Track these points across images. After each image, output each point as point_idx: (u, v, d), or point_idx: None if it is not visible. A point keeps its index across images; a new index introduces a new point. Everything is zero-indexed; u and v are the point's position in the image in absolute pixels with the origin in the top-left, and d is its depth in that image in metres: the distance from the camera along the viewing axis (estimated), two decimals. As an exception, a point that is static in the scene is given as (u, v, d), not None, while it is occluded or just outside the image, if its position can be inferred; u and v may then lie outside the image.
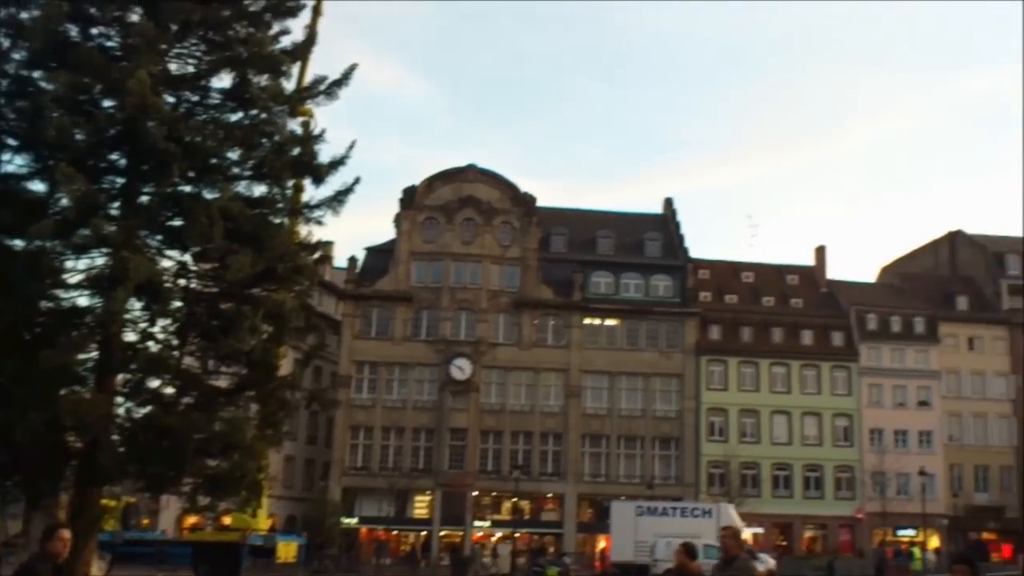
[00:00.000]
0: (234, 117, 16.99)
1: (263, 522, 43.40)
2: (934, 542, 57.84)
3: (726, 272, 66.37)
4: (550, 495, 58.06)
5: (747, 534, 47.40)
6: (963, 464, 62.15)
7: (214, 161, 16.48)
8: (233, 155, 16.89)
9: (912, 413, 62.14)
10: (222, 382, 17.15)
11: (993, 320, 65.46)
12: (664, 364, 60.30)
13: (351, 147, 17.22)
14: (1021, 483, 62.16)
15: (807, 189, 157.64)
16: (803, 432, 60.89)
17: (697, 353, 60.67)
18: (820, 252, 68.47)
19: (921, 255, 74.97)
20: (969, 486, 61.85)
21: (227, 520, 37.85)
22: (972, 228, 73.07)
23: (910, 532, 58.21)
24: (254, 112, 16.98)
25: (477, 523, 56.80)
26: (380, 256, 60.81)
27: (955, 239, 72.89)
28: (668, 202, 68.27)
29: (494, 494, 57.83)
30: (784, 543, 58.65)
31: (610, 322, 60.78)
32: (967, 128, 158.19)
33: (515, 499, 56.45)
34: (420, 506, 57.31)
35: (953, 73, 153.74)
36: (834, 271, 68.49)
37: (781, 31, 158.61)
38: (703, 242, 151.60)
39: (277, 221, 17.10)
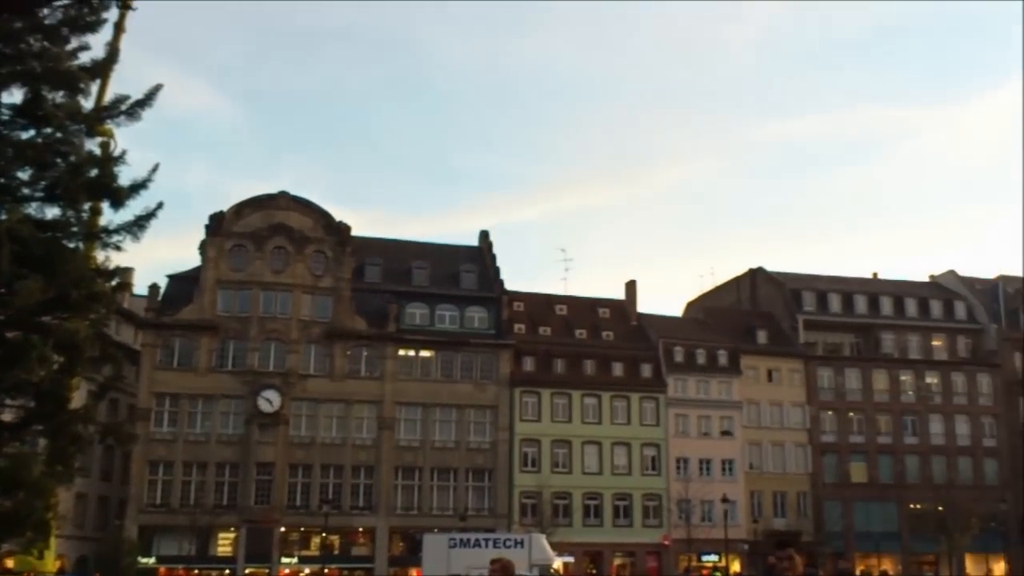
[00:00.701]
0: (26, 135, 16.28)
1: (50, 564, 40.73)
2: (736, 566, 60.76)
3: (540, 305, 67.98)
4: (361, 529, 57.55)
5: (558, 563, 48.53)
6: (763, 491, 65.66)
7: (2, 181, 15.76)
8: (24, 175, 16.17)
9: (716, 442, 65.24)
10: (7, 415, 16.32)
11: (790, 353, 69.66)
12: (478, 396, 61.04)
13: (154, 170, 16.79)
14: (815, 508, 66.27)
15: (619, 225, 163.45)
16: (613, 462, 62.87)
17: (511, 384, 61.75)
18: (631, 286, 71.13)
19: (724, 291, 79.10)
20: (768, 511, 65.40)
21: (10, 563, 35.53)
22: (771, 265, 77.80)
23: (713, 557, 60.98)
24: (48, 130, 16.30)
25: (284, 560, 55.61)
26: (184, 284, 58.99)
27: (756, 276, 77.23)
28: (484, 234, 69.42)
29: (302, 529, 56.81)
30: (594, 571, 60.28)
31: (425, 353, 61.08)
32: (769, 170, 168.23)
33: (324, 534, 55.61)
34: (224, 544, 55.59)
35: (756, 119, 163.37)
36: (644, 305, 71.33)
37: (596, 70, 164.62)
38: (518, 275, 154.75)
39: (71, 245, 16.44)
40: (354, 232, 62.37)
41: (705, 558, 61.46)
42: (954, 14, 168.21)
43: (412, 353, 60.84)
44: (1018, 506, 69.04)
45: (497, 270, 65.68)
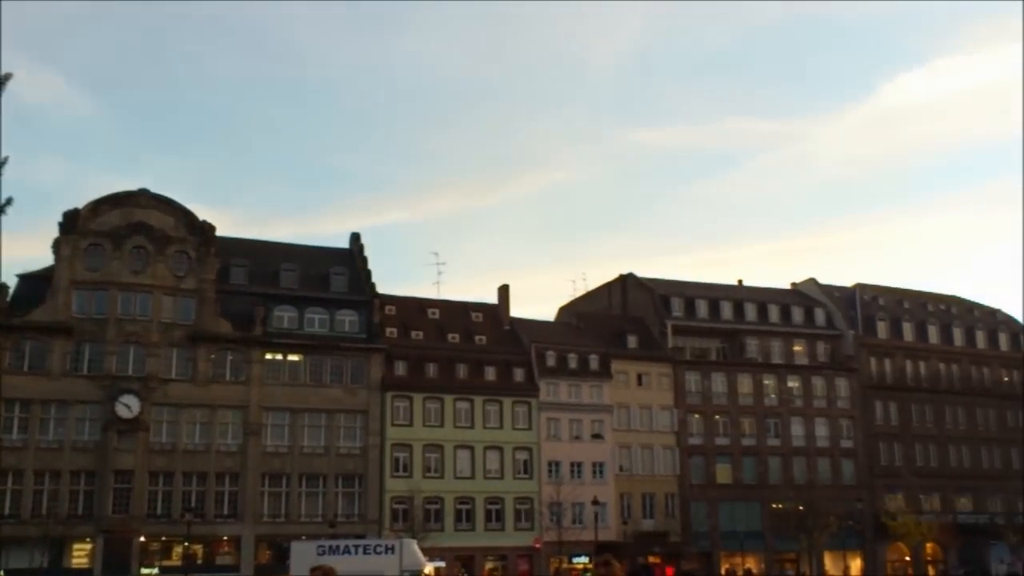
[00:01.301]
0: None
1: None
2: (606, 568, 61.45)
3: (412, 308, 67.79)
4: (226, 538, 56.09)
5: (429, 568, 48.40)
6: (632, 493, 66.89)
7: None
8: None
9: (587, 445, 66.14)
10: None
11: (659, 358, 71.23)
12: (349, 400, 60.39)
13: (2, 164, 16.06)
14: (682, 509, 67.87)
15: (493, 229, 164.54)
16: (485, 466, 63.07)
17: (383, 389, 61.31)
18: (503, 291, 71.62)
19: (596, 296, 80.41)
20: (637, 513, 66.64)
21: None
22: (642, 272, 79.49)
23: (584, 559, 61.71)
24: None
25: (144, 571, 53.72)
26: (35, 284, 56.58)
27: (626, 282, 78.80)
28: (355, 237, 68.83)
29: (164, 539, 55.01)
30: (466, 575, 60.28)
31: (293, 357, 60.11)
32: (640, 177, 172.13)
33: (187, 544, 53.96)
34: (79, 555, 53.36)
35: (628, 126, 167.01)
36: (517, 310, 71.98)
37: (470, 72, 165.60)
38: (390, 278, 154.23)
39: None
40: (219, 232, 61.01)
41: (576, 560, 62.15)
42: (817, 30, 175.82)
43: (280, 357, 59.76)
44: (873, 504, 72.26)
45: (368, 273, 65.18)
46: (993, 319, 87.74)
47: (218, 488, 56.57)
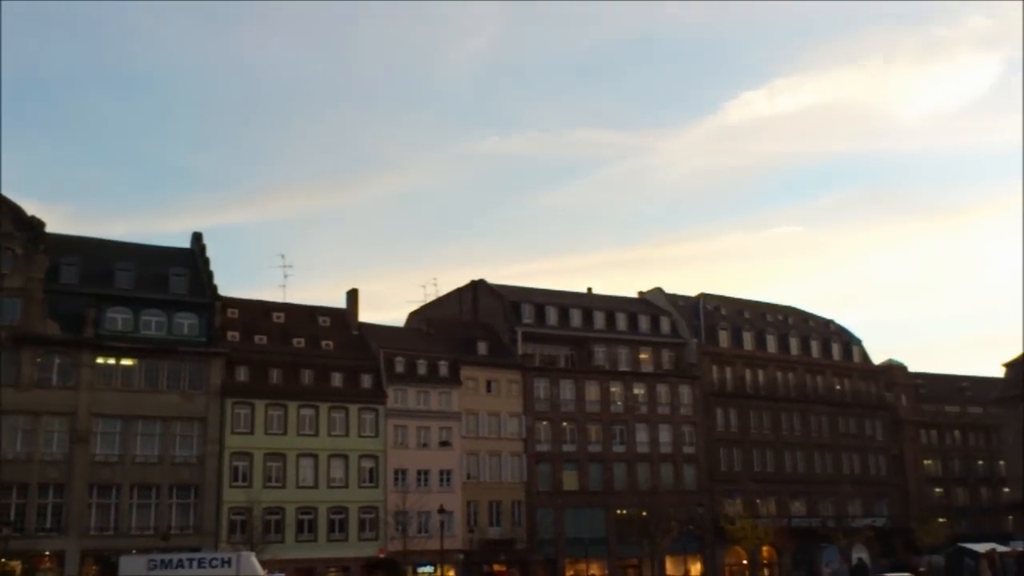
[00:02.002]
0: None
1: None
2: (451, 577, 61.17)
3: (256, 312, 65.78)
4: (48, 553, 52.78)
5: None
6: (479, 500, 66.64)
7: None
8: None
9: (434, 453, 65.52)
10: None
11: (509, 364, 71.28)
12: (186, 407, 57.98)
13: None
14: (529, 516, 68.04)
15: (342, 232, 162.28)
16: (330, 475, 61.64)
17: (223, 395, 59.13)
18: (352, 295, 70.32)
19: (447, 302, 79.96)
20: (484, 521, 66.41)
21: None
22: (492, 278, 79.63)
23: (429, 568, 61.07)
24: None
25: (-46, 591, 50.10)
26: None
27: (477, 288, 78.64)
28: (197, 236, 66.25)
29: (-22, 556, 51.41)
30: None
31: (127, 362, 57.25)
32: (492, 184, 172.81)
33: (4, 559, 50.55)
34: None
35: (480, 132, 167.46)
36: (366, 314, 70.83)
37: (319, 73, 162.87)
38: (234, 281, 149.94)
39: None
40: (49, 228, 57.80)
41: (421, 569, 61.43)
42: (665, 46, 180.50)
43: (112, 361, 56.84)
44: (713, 509, 74.19)
45: (210, 274, 62.81)
46: (827, 329, 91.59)
47: (40, 500, 53.24)
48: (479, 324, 75.19)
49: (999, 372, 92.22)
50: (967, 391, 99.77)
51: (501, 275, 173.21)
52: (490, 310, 76.35)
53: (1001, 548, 61.89)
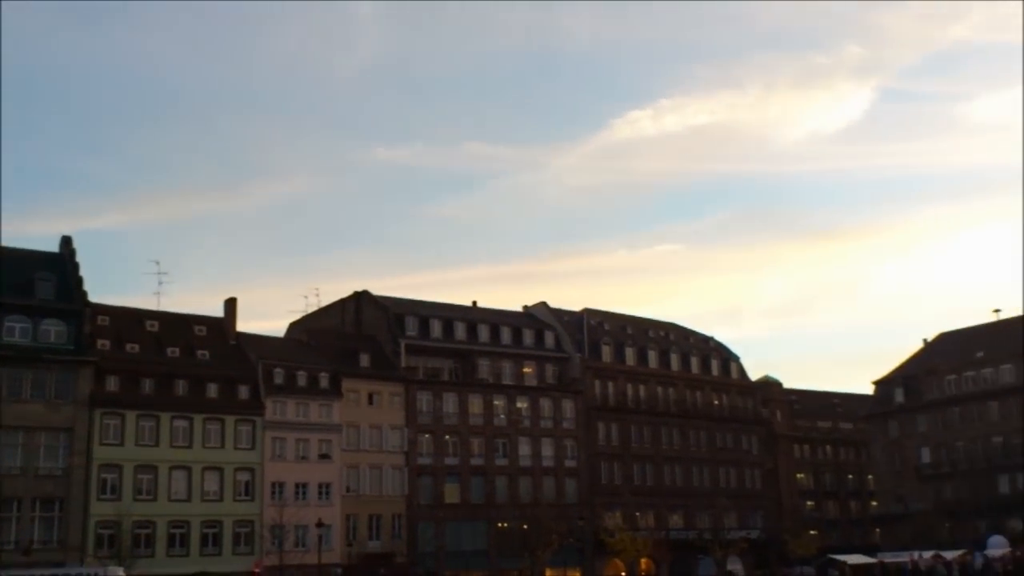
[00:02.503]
0: None
1: None
2: (327, 591, 60.19)
3: (129, 319, 63.96)
4: None
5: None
6: (359, 514, 65.91)
7: None
8: None
9: (313, 466, 64.58)
10: None
11: (391, 377, 70.84)
12: (52, 417, 55.80)
13: None
14: (409, 530, 67.63)
15: (220, 239, 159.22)
16: (203, 488, 60.11)
17: (91, 405, 57.14)
18: (230, 304, 68.95)
19: (329, 312, 79.01)
20: (363, 534, 65.73)
21: None
22: (376, 289, 79.09)
23: (305, 583, 60.00)
24: None
25: None
26: None
27: (361, 299, 77.99)
28: (66, 240, 64.01)
29: None
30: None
31: (-11, 369, 54.86)
32: (377, 195, 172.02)
33: None
34: None
35: (364, 142, 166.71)
36: (244, 324, 69.49)
37: (202, 77, 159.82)
38: (105, 287, 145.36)
39: None
40: (-95, 229, 55.09)
41: (297, 584, 60.31)
42: (555, 63, 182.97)
43: (-27, 369, 54.40)
44: (593, 522, 74.99)
45: (79, 280, 60.74)
46: (707, 346, 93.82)
47: None
48: (362, 336, 74.56)
49: (869, 389, 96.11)
50: (839, 407, 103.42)
51: (385, 286, 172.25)
52: (373, 322, 75.81)
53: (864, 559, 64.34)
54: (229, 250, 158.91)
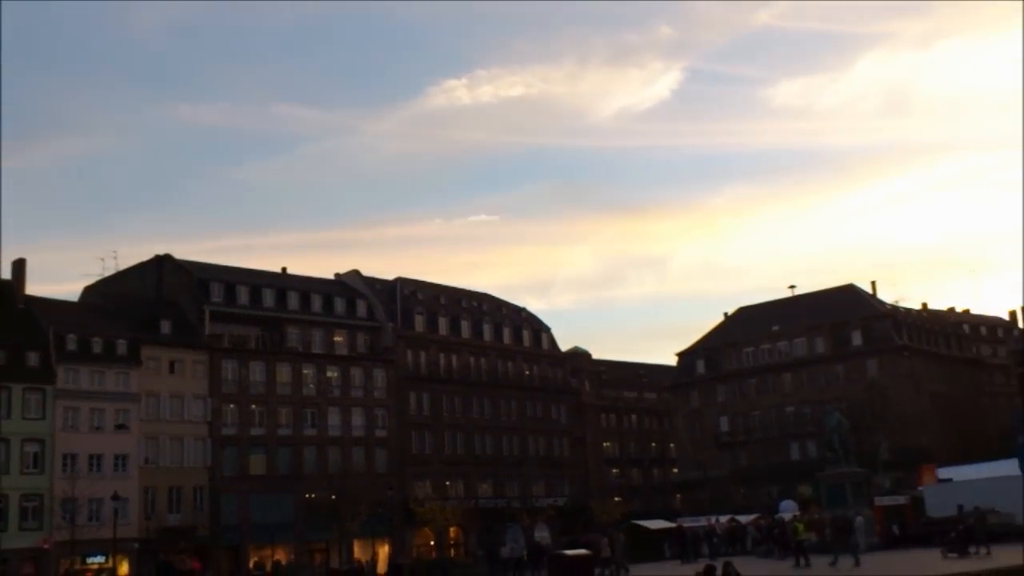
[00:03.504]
0: None
1: None
2: (124, 567, 58.67)
3: (-97, 280, 59.89)
4: None
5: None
6: (158, 486, 64.29)
7: None
8: None
9: (109, 437, 62.58)
10: None
11: (195, 345, 69.15)
12: None
13: None
14: (212, 502, 66.46)
15: (7, 197, 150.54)
16: (-13, 460, 57.29)
17: None
18: (19, 265, 65.64)
19: (128, 277, 76.01)
20: (163, 508, 64.19)
21: None
22: (180, 253, 76.80)
23: (100, 559, 58.28)
24: None
25: None
26: None
27: (163, 263, 75.50)
28: None
29: None
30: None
31: None
32: (177, 154, 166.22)
33: None
34: None
35: (167, 99, 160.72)
36: (34, 287, 66.22)
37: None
38: None
39: None
40: None
41: (91, 559, 58.54)
42: (369, 27, 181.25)
43: None
44: (404, 491, 75.75)
45: None
46: (519, 317, 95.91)
47: None
48: (164, 302, 72.33)
49: (673, 361, 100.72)
50: (644, 378, 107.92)
51: (189, 251, 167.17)
52: (177, 287, 73.63)
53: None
54: (18, 208, 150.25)
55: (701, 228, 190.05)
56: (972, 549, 33.87)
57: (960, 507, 38.67)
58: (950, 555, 33.80)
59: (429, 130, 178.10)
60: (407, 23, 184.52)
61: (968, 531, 35.18)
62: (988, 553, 32.98)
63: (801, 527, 38.75)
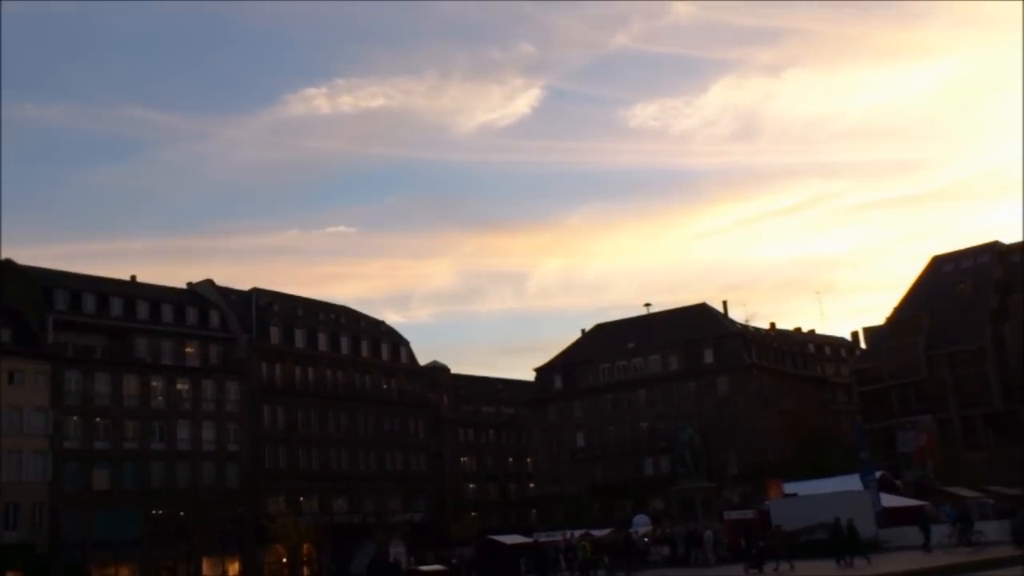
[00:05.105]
0: None
1: None
2: (-44, 587, 56.65)
3: None
4: None
5: None
6: (-6, 502, 62.30)
7: None
8: None
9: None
10: None
11: (36, 354, 67.31)
12: None
13: None
14: (52, 519, 64.72)
15: None
16: None
17: None
18: None
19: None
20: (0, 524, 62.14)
21: None
22: (22, 258, 74.51)
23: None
24: None
25: None
26: None
27: (3, 268, 73.09)
28: None
29: None
30: None
31: None
32: (21, 154, 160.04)
33: None
34: None
35: (9, 97, 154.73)
36: None
37: None
38: None
39: None
40: None
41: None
42: (227, 31, 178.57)
43: None
44: (256, 507, 75.24)
45: None
46: (377, 330, 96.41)
47: None
48: (4, 308, 69.93)
49: (530, 376, 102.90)
50: (502, 393, 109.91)
51: (31, 256, 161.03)
52: (18, 293, 71.25)
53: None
54: None
55: (559, 244, 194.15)
56: (773, 565, 34.58)
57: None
58: (751, 571, 34.68)
59: (287, 138, 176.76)
60: (265, 29, 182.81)
61: (768, 548, 36.54)
62: (791, 568, 33.88)
63: (586, 546, 41.44)
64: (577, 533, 71.24)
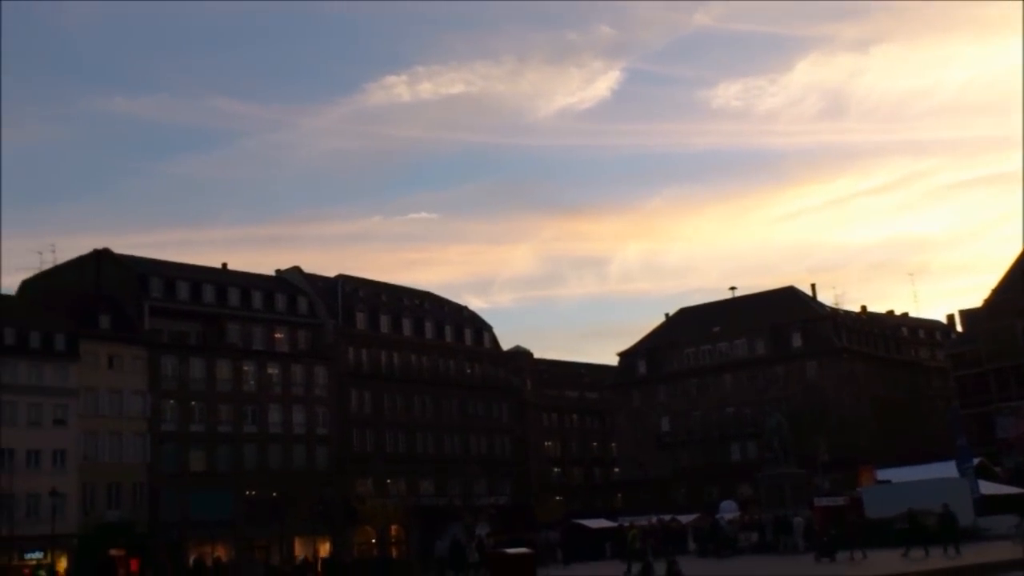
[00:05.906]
0: None
1: None
2: (63, 563, 59.64)
3: None
4: None
5: None
6: (97, 482, 65.27)
7: None
8: None
9: (47, 432, 63.48)
10: None
11: (134, 340, 70.13)
12: None
13: None
14: (151, 499, 67.57)
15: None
16: (-78, 455, 57.90)
17: None
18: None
19: (66, 271, 76.49)
20: (102, 504, 65.25)
21: None
22: (119, 247, 77.56)
23: (39, 555, 59.24)
24: None
25: None
26: None
27: (101, 257, 76.18)
28: None
29: None
30: None
31: None
32: (114, 146, 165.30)
33: None
34: None
35: (100, 92, 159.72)
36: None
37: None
38: None
39: None
40: None
41: (29, 556, 59.43)
42: (307, 23, 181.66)
43: None
44: (344, 489, 77.42)
45: None
46: (460, 315, 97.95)
47: None
48: (102, 296, 73.03)
49: (614, 361, 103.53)
50: (585, 377, 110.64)
51: (127, 245, 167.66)
52: (115, 282, 74.35)
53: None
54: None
55: (641, 228, 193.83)
56: (846, 554, 34.79)
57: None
58: (822, 559, 35.01)
59: (368, 126, 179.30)
60: (346, 18, 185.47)
61: (839, 536, 36.82)
62: (864, 557, 34.24)
63: (636, 534, 41.67)
64: (665, 518, 72.16)
